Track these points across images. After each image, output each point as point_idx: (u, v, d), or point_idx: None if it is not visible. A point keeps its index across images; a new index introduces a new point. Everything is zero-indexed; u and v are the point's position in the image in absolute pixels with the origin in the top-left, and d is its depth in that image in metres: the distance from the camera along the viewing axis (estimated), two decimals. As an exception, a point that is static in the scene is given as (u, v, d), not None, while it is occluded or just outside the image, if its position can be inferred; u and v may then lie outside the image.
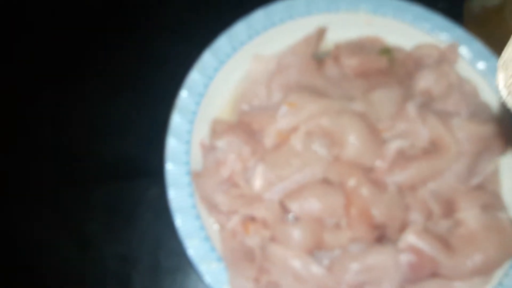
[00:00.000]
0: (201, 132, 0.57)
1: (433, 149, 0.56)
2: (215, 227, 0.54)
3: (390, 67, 0.62)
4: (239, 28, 0.61)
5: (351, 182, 0.53)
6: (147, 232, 0.58)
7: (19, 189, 0.61)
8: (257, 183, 0.54)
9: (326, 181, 0.54)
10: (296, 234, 0.51)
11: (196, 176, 0.54)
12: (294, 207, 0.52)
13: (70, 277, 0.57)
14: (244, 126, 0.57)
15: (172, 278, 0.57)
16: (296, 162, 0.54)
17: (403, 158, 0.55)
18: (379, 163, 0.55)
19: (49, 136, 0.63)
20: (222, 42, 0.60)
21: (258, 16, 0.62)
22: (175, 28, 0.67)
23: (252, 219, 0.53)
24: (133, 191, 0.60)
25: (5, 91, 0.64)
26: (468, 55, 0.63)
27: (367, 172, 0.54)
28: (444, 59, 0.63)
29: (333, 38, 0.65)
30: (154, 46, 0.67)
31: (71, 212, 0.59)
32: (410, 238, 0.51)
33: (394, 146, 0.55)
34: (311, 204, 0.52)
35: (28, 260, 0.57)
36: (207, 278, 0.51)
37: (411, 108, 0.56)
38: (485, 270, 0.54)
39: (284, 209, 0.53)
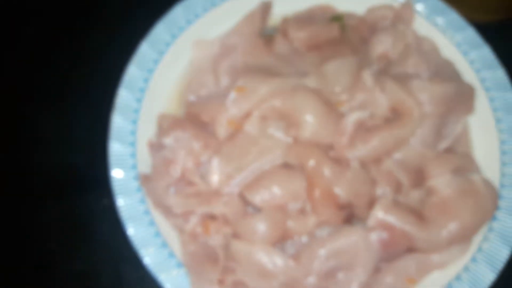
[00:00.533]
0: (147, 131, 0.55)
1: (395, 116, 0.54)
2: (173, 232, 0.52)
3: (342, 36, 0.60)
4: (177, 13, 0.59)
5: (311, 163, 0.51)
6: (105, 245, 0.57)
7: None
8: (214, 178, 0.52)
9: (286, 166, 0.52)
10: (259, 226, 0.49)
11: (145, 180, 0.52)
12: (255, 198, 0.50)
13: None
14: (192, 118, 0.55)
15: None
16: (253, 150, 0.52)
17: (364, 130, 0.53)
18: (338, 139, 0.52)
19: None
20: (160, 30, 0.58)
21: (196, -2, 0.60)
22: (109, 22, 0.65)
23: (212, 217, 0.51)
24: (86, 204, 0.59)
25: None
26: (424, 11, 0.62)
27: (327, 150, 0.53)
28: (400, 19, 0.61)
29: (280, 12, 0.63)
30: (87, 44, 0.65)
31: (25, 232, 0.58)
32: (379, 214, 0.50)
33: (352, 119, 0.53)
34: (273, 192, 0.50)
35: None
36: (168, 286, 0.49)
37: (367, 76, 0.54)
38: (463, 238, 0.52)
39: (245, 202, 0.51)
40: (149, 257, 0.50)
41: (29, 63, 0.65)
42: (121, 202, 0.51)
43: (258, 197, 0.50)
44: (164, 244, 0.51)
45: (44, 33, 0.66)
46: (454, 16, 0.60)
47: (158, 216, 0.52)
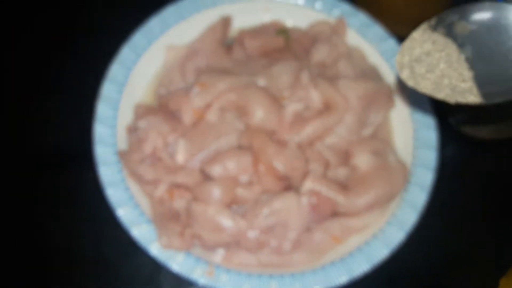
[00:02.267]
0: (126, 119, 0.64)
1: (326, 109, 0.65)
2: (145, 198, 0.62)
3: (287, 45, 0.71)
4: (153, 23, 0.69)
5: (257, 143, 0.61)
6: (87, 209, 0.65)
7: None
8: (180, 155, 0.61)
9: (240, 148, 0.62)
10: (214, 191, 0.58)
11: (122, 154, 0.61)
12: (213, 171, 0.60)
13: (12, 268, 0.62)
14: (163, 108, 0.65)
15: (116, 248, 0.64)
16: (213, 134, 0.62)
17: (300, 119, 0.64)
18: (280, 126, 0.63)
19: None
20: (138, 37, 0.68)
21: (169, 12, 0.71)
22: (97, 26, 0.75)
23: (177, 186, 0.61)
24: (71, 176, 0.67)
25: None
26: (355, 25, 0.73)
27: (271, 135, 0.63)
28: (335, 32, 0.72)
29: (239, 26, 0.74)
30: (79, 42, 0.75)
31: (13, 203, 0.65)
32: (308, 183, 0.60)
33: (290, 110, 0.63)
34: (226, 166, 0.60)
35: None
36: (138, 237, 0.58)
37: (304, 77, 0.65)
38: (379, 205, 0.63)
39: (204, 175, 0.61)
40: (124, 214, 0.59)
41: (26, 58, 0.73)
42: (102, 170, 0.60)
43: (215, 170, 0.59)
44: (136, 206, 0.60)
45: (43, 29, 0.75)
46: (379, 29, 0.72)
47: (133, 185, 0.61)
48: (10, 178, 0.66)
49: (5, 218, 0.65)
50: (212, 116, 0.63)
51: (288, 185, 0.62)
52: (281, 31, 0.72)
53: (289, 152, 0.62)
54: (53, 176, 0.67)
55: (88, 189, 0.65)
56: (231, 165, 0.60)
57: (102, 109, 0.64)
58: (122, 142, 0.64)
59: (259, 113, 0.63)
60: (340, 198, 0.61)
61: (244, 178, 0.61)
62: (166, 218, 0.60)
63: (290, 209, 0.59)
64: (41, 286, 0.62)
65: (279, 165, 0.60)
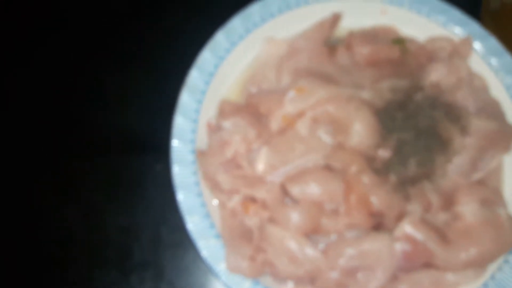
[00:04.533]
0: (209, 111, 0.59)
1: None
2: (216, 205, 0.56)
3: (402, 58, 0.63)
4: (254, 10, 0.62)
5: (353, 169, 0.54)
6: (150, 206, 0.60)
7: (25, 157, 0.63)
8: (260, 165, 0.55)
9: (328, 168, 0.55)
10: (295, 216, 0.52)
11: (200, 155, 0.56)
12: (295, 190, 0.53)
13: (74, 245, 0.59)
14: (251, 108, 0.58)
15: (171, 253, 0.59)
16: (300, 148, 0.55)
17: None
18: (382, 153, 0.55)
19: (56, 106, 0.65)
20: (236, 23, 0.61)
21: (273, -1, 0.63)
22: (190, 3, 0.69)
23: (253, 199, 0.54)
24: (139, 165, 0.62)
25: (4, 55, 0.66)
26: (481, 50, 0.64)
27: (370, 161, 0.55)
28: (457, 53, 0.63)
29: (347, 25, 0.65)
30: (168, 20, 0.68)
31: (76, 182, 0.61)
32: (406, 227, 0.52)
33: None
34: (311, 189, 0.53)
35: (31, 227, 0.60)
36: (205, 253, 0.52)
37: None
38: (479, 263, 0.55)
39: (284, 192, 0.54)
40: (192, 224, 0.53)
41: (110, 28, 0.68)
42: (176, 170, 0.55)
43: (297, 189, 0.53)
44: (207, 215, 0.54)
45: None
46: (508, 60, 0.63)
47: (205, 190, 0.56)
48: (77, 162, 0.63)
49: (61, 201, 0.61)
50: (302, 127, 0.56)
51: (379, 223, 0.55)
52: (398, 40, 0.64)
53: (388, 186, 0.54)
54: (120, 163, 0.62)
55: (155, 183, 0.60)
56: (317, 188, 0.53)
57: (186, 99, 0.57)
58: (201, 139, 0.58)
59: (360, 133, 0.55)
60: (438, 249, 0.53)
61: (329, 205, 0.54)
62: (237, 236, 0.54)
63: (379, 254, 0.52)
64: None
65: (376, 200, 0.53)
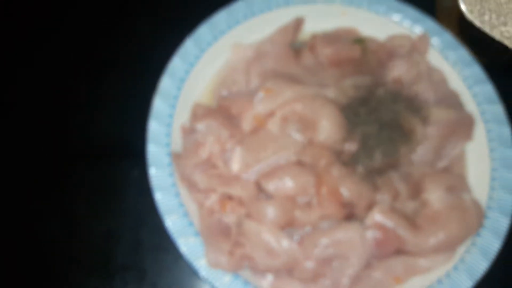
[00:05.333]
0: (182, 115, 0.60)
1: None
2: (194, 206, 0.57)
3: (363, 57, 0.65)
4: (220, 18, 0.64)
5: (322, 163, 0.56)
6: (130, 210, 0.61)
7: (3, 163, 0.63)
8: (235, 165, 0.56)
9: (299, 163, 0.56)
10: (270, 211, 0.54)
11: (176, 157, 0.57)
12: (269, 186, 0.55)
13: (55, 250, 0.59)
14: (223, 110, 0.60)
15: (153, 255, 0.59)
16: (272, 146, 0.57)
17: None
18: (348, 146, 0.58)
19: (32, 112, 0.65)
20: (204, 31, 0.63)
21: (238, 6, 0.65)
22: (160, 14, 0.70)
23: (229, 197, 0.56)
24: (118, 171, 0.62)
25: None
26: (438, 45, 0.67)
27: (338, 154, 0.57)
28: (415, 49, 0.66)
29: (310, 29, 0.68)
30: (139, 29, 0.70)
31: (58, 188, 0.61)
32: (376, 216, 0.54)
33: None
34: (285, 184, 0.55)
35: (13, 235, 0.60)
36: (185, 250, 0.53)
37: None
38: (448, 247, 0.57)
39: (259, 188, 0.56)
40: (171, 223, 0.54)
41: (85, 37, 0.69)
42: (153, 172, 0.56)
43: (271, 185, 0.54)
44: (186, 214, 0.55)
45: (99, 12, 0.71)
46: (463, 53, 0.65)
47: (182, 190, 0.56)
48: (55, 168, 0.63)
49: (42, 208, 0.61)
50: (273, 125, 0.58)
51: (350, 213, 0.56)
52: (358, 40, 0.66)
53: (357, 177, 0.56)
54: (97, 169, 0.63)
55: (133, 188, 0.61)
56: (290, 183, 0.55)
57: (159, 105, 0.59)
58: (176, 142, 0.59)
59: (327, 129, 0.57)
60: (408, 236, 0.55)
61: (302, 199, 0.56)
62: (215, 233, 0.55)
63: (352, 242, 0.54)
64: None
65: (345, 190, 0.55)
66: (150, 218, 0.59)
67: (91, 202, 0.61)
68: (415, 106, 0.61)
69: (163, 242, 0.58)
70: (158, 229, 0.56)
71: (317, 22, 0.68)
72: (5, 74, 0.67)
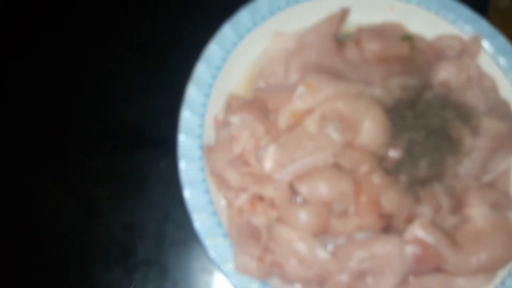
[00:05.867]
0: (216, 106, 0.57)
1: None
2: (223, 203, 0.54)
3: (410, 55, 0.61)
4: (262, 3, 0.61)
5: (363, 169, 0.52)
6: (155, 203, 0.59)
7: (25, 153, 0.61)
8: (268, 163, 0.53)
9: (337, 166, 0.53)
10: (303, 216, 0.51)
11: (207, 150, 0.54)
12: (303, 189, 0.52)
13: (75, 242, 0.57)
14: (259, 103, 0.56)
15: (176, 251, 0.57)
16: (308, 145, 0.53)
17: None
18: (392, 153, 0.54)
19: (59, 100, 0.63)
20: (243, 16, 0.60)
21: (282, -8, 0.61)
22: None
23: (260, 198, 0.53)
24: (144, 160, 0.60)
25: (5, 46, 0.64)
26: (490, 49, 0.62)
27: (380, 160, 0.54)
28: (466, 51, 0.62)
29: (355, 20, 0.64)
30: (175, 14, 0.66)
31: (80, 178, 0.60)
32: (417, 230, 0.51)
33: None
34: (320, 188, 0.52)
35: (33, 225, 0.58)
36: (212, 253, 0.51)
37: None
38: (489, 269, 0.54)
39: (293, 191, 0.53)
40: (200, 222, 0.52)
41: (115, 22, 0.66)
42: (183, 166, 0.53)
43: (305, 188, 0.51)
44: (215, 213, 0.53)
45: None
46: None
47: (212, 186, 0.54)
48: (78, 157, 0.61)
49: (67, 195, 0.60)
50: (311, 124, 0.55)
51: (388, 225, 0.53)
52: (407, 37, 0.62)
53: (399, 187, 0.53)
54: (122, 159, 0.61)
55: (159, 179, 0.59)
56: (326, 188, 0.52)
57: (192, 93, 0.56)
58: (208, 134, 0.56)
59: (370, 131, 0.54)
60: (448, 253, 0.52)
61: (339, 206, 0.53)
62: (245, 235, 0.52)
63: (390, 257, 0.51)
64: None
65: (387, 201, 0.52)
66: (175, 212, 0.57)
67: (115, 193, 0.59)
68: (464, 113, 0.57)
69: (187, 238, 0.57)
70: (183, 223, 0.55)
71: (363, 14, 0.64)
72: (30, 60, 0.64)
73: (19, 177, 0.60)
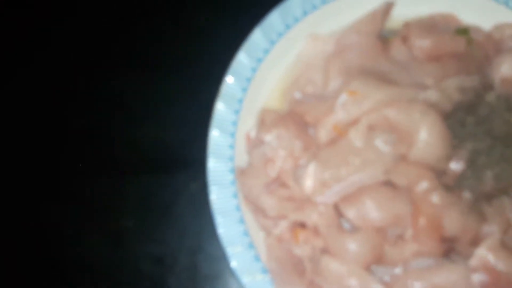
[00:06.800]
0: (248, 122, 0.55)
1: None
2: (261, 234, 0.53)
3: (467, 51, 0.56)
4: (294, 2, 0.57)
5: (420, 186, 0.49)
6: (186, 231, 0.57)
7: (48, 180, 0.60)
8: (308, 183, 0.50)
9: (389, 184, 0.50)
10: (353, 246, 0.48)
11: (240, 174, 0.52)
12: (351, 213, 0.49)
13: (101, 277, 0.57)
14: (296, 117, 0.53)
15: (210, 285, 0.56)
16: (354, 161, 0.50)
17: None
18: (454, 166, 0.50)
19: (82, 120, 0.61)
20: (274, 19, 0.57)
21: (316, -11, 0.58)
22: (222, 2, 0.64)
23: (302, 225, 0.51)
24: (172, 184, 0.58)
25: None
26: (559, 38, 0.57)
27: (439, 175, 0.50)
28: (530, 42, 0.57)
29: (400, 14, 0.60)
30: (197, 18, 0.64)
31: (103, 206, 0.59)
32: (485, 254, 0.47)
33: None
34: (371, 211, 0.48)
35: (56, 257, 0.58)
36: None
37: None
38: None
39: (339, 215, 0.50)
40: (235, 258, 0.50)
41: (130, 30, 0.64)
42: (215, 194, 0.52)
43: (354, 212, 0.48)
44: (251, 245, 0.52)
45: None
46: None
47: (246, 214, 0.52)
48: (101, 182, 0.60)
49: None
50: (357, 136, 0.50)
51: (449, 249, 0.49)
52: (461, 30, 0.57)
53: (463, 206, 0.48)
54: (149, 183, 0.59)
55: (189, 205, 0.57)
56: (378, 211, 0.48)
57: (221, 109, 0.54)
58: (240, 154, 0.54)
59: (427, 142, 0.50)
60: (523, 281, 0.47)
61: (393, 231, 0.49)
62: (287, 269, 0.50)
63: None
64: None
65: (449, 222, 0.48)
66: (208, 240, 0.56)
67: (141, 221, 0.58)
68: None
69: (223, 270, 0.55)
70: (217, 255, 0.54)
71: (409, 6, 0.60)
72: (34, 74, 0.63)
73: (36, 202, 0.59)
